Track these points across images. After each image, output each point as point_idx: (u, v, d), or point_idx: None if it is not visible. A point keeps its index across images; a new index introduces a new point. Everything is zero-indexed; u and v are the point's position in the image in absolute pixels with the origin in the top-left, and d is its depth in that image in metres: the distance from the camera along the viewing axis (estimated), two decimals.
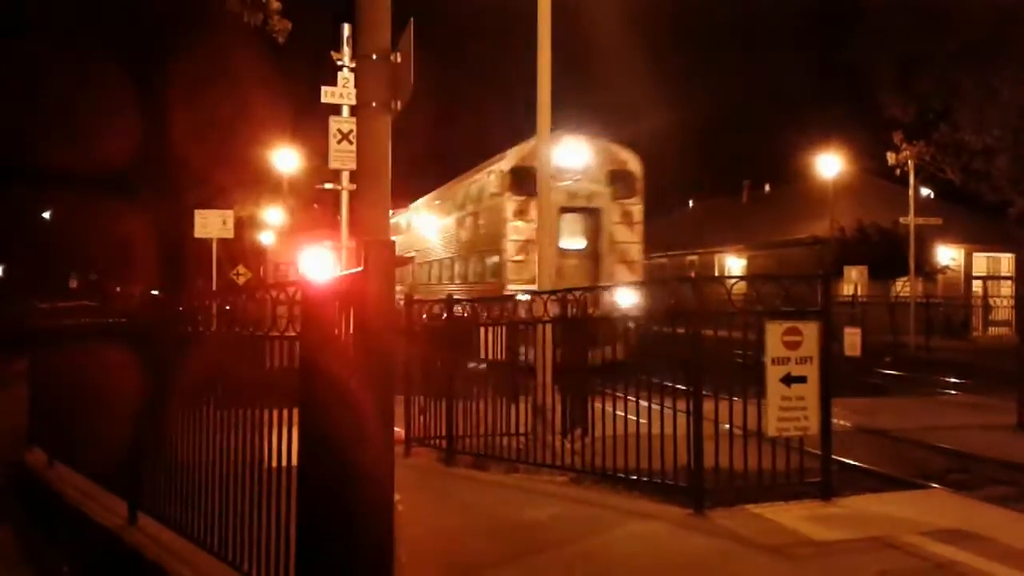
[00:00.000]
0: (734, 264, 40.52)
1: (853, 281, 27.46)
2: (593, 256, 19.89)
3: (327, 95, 12.05)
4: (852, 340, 17.68)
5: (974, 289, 34.90)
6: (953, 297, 33.44)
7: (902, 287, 30.63)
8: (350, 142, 11.44)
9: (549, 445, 8.13)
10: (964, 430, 11.12)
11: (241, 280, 25.23)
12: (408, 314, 9.37)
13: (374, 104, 5.01)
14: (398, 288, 23.44)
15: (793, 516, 6.09)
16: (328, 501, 3.74)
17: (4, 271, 53.67)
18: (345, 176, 12.28)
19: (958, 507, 6.72)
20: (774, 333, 6.27)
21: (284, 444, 4.25)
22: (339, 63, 11.95)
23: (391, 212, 6.12)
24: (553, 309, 7.88)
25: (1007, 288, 34.98)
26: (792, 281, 6.76)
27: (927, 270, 31.87)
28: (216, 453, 4.99)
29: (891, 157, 28.63)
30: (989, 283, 35.00)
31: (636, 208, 20.45)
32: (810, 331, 6.33)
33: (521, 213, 19.53)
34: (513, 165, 19.97)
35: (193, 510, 5.30)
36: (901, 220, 28.29)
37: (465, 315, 9.11)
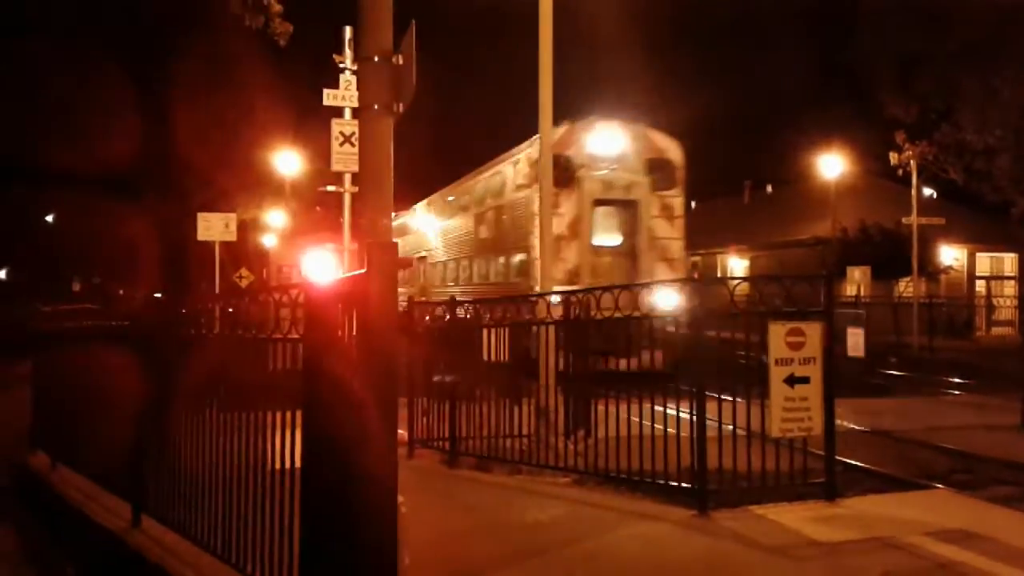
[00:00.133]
0: (736, 265, 40.49)
1: (856, 281, 27.45)
2: (630, 253, 18.20)
3: (329, 97, 12.08)
4: (855, 340, 17.64)
5: (977, 289, 34.85)
6: (956, 297, 33.40)
7: (905, 287, 30.60)
8: (352, 144, 11.47)
9: (552, 446, 8.13)
10: (968, 430, 11.11)
11: (244, 283, 25.28)
12: (410, 316, 9.38)
13: (376, 106, 5.01)
14: (409, 290, 23.01)
15: (797, 517, 6.08)
16: (331, 503, 3.74)
17: (7, 274, 53.77)
18: (347, 178, 12.30)
19: (962, 508, 6.71)
20: (777, 334, 6.26)
21: (287, 446, 4.25)
22: (341, 65, 11.99)
23: (394, 214, 6.08)
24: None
25: (1010, 288, 34.93)
26: (795, 282, 6.75)
27: (930, 270, 31.84)
28: (219, 455, 4.99)
29: (893, 157, 28.62)
30: (992, 283, 34.95)
31: (677, 201, 18.68)
32: (813, 332, 6.33)
33: (553, 206, 18.27)
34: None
35: (196, 512, 5.30)
36: (904, 220, 28.28)
37: (470, 316, 9.00)
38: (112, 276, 47.05)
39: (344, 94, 12.09)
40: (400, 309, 6.83)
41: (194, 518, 5.34)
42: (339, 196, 13.09)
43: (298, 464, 4.13)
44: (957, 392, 16.67)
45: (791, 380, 6.27)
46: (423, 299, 19.22)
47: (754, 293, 7.01)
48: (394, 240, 4.32)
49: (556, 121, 17.27)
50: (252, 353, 4.88)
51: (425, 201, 29.34)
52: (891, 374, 19.60)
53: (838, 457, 6.71)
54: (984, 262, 35.59)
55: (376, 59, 4.99)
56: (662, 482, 6.54)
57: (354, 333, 3.61)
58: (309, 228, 34.58)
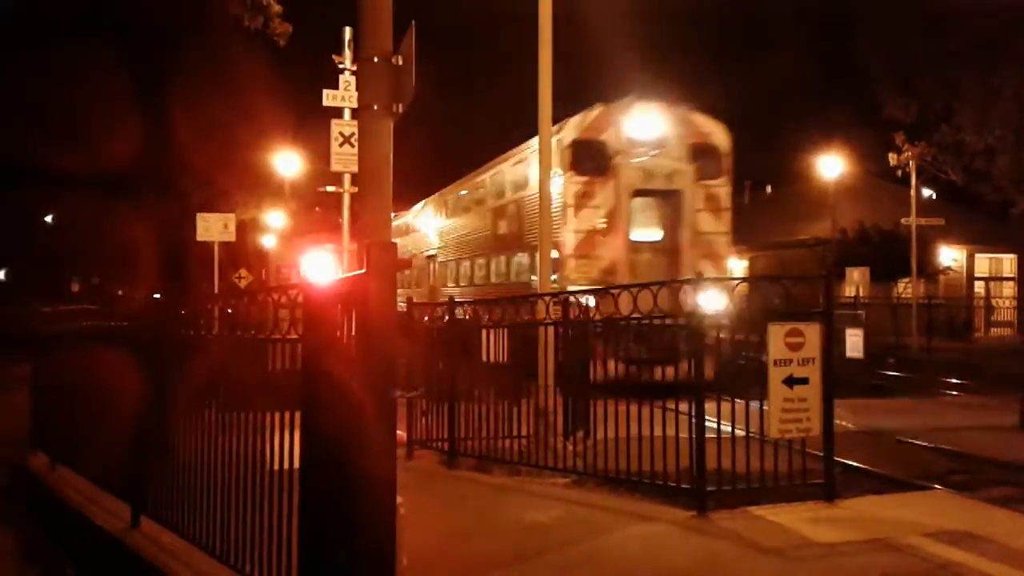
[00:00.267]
0: (735, 265, 40.48)
1: (855, 282, 27.45)
2: (672, 250, 16.49)
3: (328, 98, 12.09)
4: (854, 341, 17.66)
5: (976, 290, 34.87)
6: (955, 298, 33.42)
7: (904, 288, 30.61)
8: (352, 145, 11.47)
9: (551, 447, 8.13)
10: (966, 431, 11.12)
11: (243, 283, 25.28)
12: (410, 316, 9.38)
13: (376, 107, 5.01)
14: (416, 291, 22.35)
15: (796, 518, 6.08)
16: (330, 504, 3.74)
17: (6, 275, 53.75)
18: (347, 179, 12.30)
19: (961, 508, 6.71)
20: (776, 334, 6.26)
21: (286, 447, 4.25)
22: (340, 66, 11.99)
23: (395, 214, 6.06)
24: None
25: (1009, 289, 34.97)
26: (794, 282, 6.75)
27: (929, 271, 31.86)
28: (218, 456, 4.99)
29: (892, 158, 28.65)
30: (991, 284, 34.99)
31: (723, 191, 16.97)
32: (812, 332, 6.33)
33: (585, 197, 15.97)
34: (575, 138, 16.26)
35: (195, 513, 5.30)
36: (903, 221, 28.30)
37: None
38: (111, 277, 47.04)
39: (343, 95, 12.09)
40: (400, 310, 6.83)
41: (193, 519, 5.34)
42: (338, 196, 13.10)
43: (297, 465, 4.13)
44: (956, 393, 16.69)
45: (790, 381, 6.27)
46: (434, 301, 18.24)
47: (753, 293, 7.00)
48: (393, 240, 4.32)
49: (582, 106, 16.51)
50: (251, 354, 4.88)
51: (434, 196, 27.77)
52: (890, 375, 19.62)
53: (837, 458, 6.71)
54: (983, 263, 35.61)
55: (376, 60, 5.00)
56: (661, 483, 6.53)
57: (353, 333, 3.61)
58: (308, 229, 34.62)
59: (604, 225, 15.75)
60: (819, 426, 6.35)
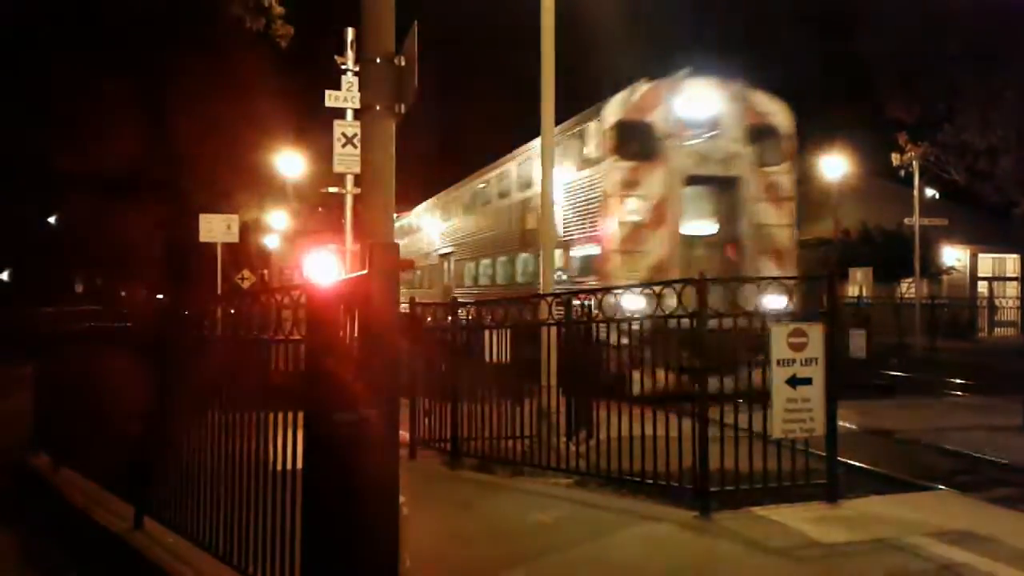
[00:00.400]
0: None
1: (858, 282, 27.41)
2: (728, 244, 15.06)
3: (331, 99, 12.10)
4: (858, 342, 17.62)
5: (979, 290, 34.82)
6: (958, 298, 33.37)
7: (907, 288, 30.57)
8: (354, 146, 11.48)
9: (554, 448, 8.13)
10: (970, 431, 11.09)
11: (246, 284, 25.29)
12: (412, 317, 9.38)
13: (378, 108, 5.01)
14: (429, 292, 21.39)
15: (799, 518, 6.08)
16: (333, 504, 3.74)
17: (9, 275, 53.83)
18: (349, 180, 12.30)
19: (965, 509, 6.71)
20: (779, 335, 6.26)
21: (289, 448, 4.26)
22: (343, 67, 11.99)
23: (396, 215, 6.03)
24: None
25: (1012, 288, 34.92)
26: (797, 282, 6.74)
27: (932, 271, 31.81)
28: (222, 457, 5.00)
29: (895, 158, 28.62)
30: (994, 284, 34.94)
31: (786, 178, 15.28)
32: (815, 333, 6.33)
33: (630, 185, 14.34)
34: (619, 118, 14.58)
35: (199, 514, 5.31)
36: (906, 221, 28.27)
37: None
38: (114, 277, 47.07)
39: (346, 95, 12.10)
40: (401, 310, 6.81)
41: (197, 520, 5.35)
42: (341, 197, 13.10)
43: (300, 466, 4.14)
44: (959, 393, 16.65)
45: (793, 381, 6.27)
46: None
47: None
48: (397, 241, 4.32)
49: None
50: (254, 354, 4.89)
51: (448, 191, 26.19)
52: (893, 375, 19.59)
53: (840, 458, 6.70)
54: (986, 263, 35.56)
55: (378, 60, 5.00)
56: (664, 483, 6.54)
57: (356, 334, 3.61)
58: (311, 229, 34.62)
59: (651, 216, 14.20)
60: (822, 426, 6.35)
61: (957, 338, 28.89)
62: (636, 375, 7.18)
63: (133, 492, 6.37)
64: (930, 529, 5.76)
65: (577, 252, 15.88)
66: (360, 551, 3.46)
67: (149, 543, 5.83)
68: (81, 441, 7.99)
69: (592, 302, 8.07)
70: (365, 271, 3.49)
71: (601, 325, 7.59)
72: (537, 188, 16.83)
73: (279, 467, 4.32)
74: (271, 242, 37.37)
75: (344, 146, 11.87)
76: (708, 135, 14.75)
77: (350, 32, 11.81)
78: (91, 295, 44.05)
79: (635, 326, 7.16)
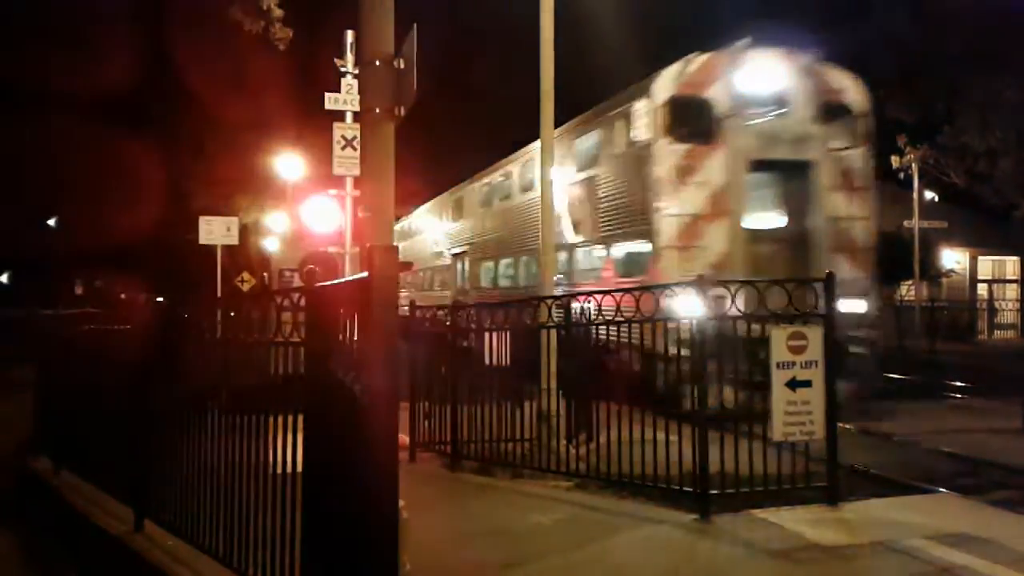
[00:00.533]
0: None
1: None
2: (799, 240, 13.15)
3: (331, 101, 12.09)
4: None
5: (979, 292, 34.81)
6: (958, 301, 33.36)
7: (907, 291, 30.57)
8: (354, 148, 11.47)
9: (554, 450, 8.13)
10: (970, 434, 11.11)
11: (245, 287, 25.28)
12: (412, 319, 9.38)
13: (378, 110, 5.02)
14: (442, 295, 19.70)
15: (799, 521, 6.07)
16: (332, 507, 3.74)
17: (9, 278, 53.85)
18: (349, 182, 12.29)
19: (965, 511, 6.70)
20: (779, 338, 6.26)
21: (289, 450, 4.26)
22: (342, 69, 11.99)
23: (395, 218, 5.94)
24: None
25: (1012, 291, 34.89)
26: (797, 285, 6.74)
27: (932, 273, 31.81)
28: (222, 460, 5.00)
29: (895, 160, 28.61)
30: (994, 286, 34.91)
31: (861, 164, 13.48)
32: (815, 335, 6.32)
33: (685, 171, 12.67)
34: (672, 94, 12.91)
35: (199, 517, 5.31)
36: (905, 223, 28.26)
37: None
38: (114, 280, 47.10)
39: (345, 98, 12.09)
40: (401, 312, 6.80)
41: (196, 523, 5.35)
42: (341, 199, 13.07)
43: (299, 468, 4.14)
44: (959, 396, 16.64)
45: (793, 384, 6.26)
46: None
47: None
48: (398, 243, 4.32)
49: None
50: (254, 357, 4.89)
51: (461, 185, 24.44)
52: (893, 377, 19.57)
53: (840, 461, 6.70)
54: (986, 265, 35.54)
55: (377, 63, 5.01)
56: (664, 486, 6.53)
57: (355, 337, 3.61)
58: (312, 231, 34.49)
59: (709, 207, 12.60)
60: (822, 429, 6.34)
61: (957, 341, 28.86)
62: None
63: (133, 495, 6.37)
64: (930, 532, 5.75)
65: (621, 249, 14.29)
66: (360, 553, 3.45)
67: (149, 546, 5.83)
68: (81, 444, 7.99)
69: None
70: (364, 274, 3.49)
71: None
72: (573, 177, 15.89)
73: (279, 470, 4.32)
74: (271, 244, 37.37)
75: (344, 148, 11.86)
76: (776, 113, 13.02)
77: (350, 35, 11.82)
78: (91, 297, 44.09)
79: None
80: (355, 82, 11.62)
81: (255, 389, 4.90)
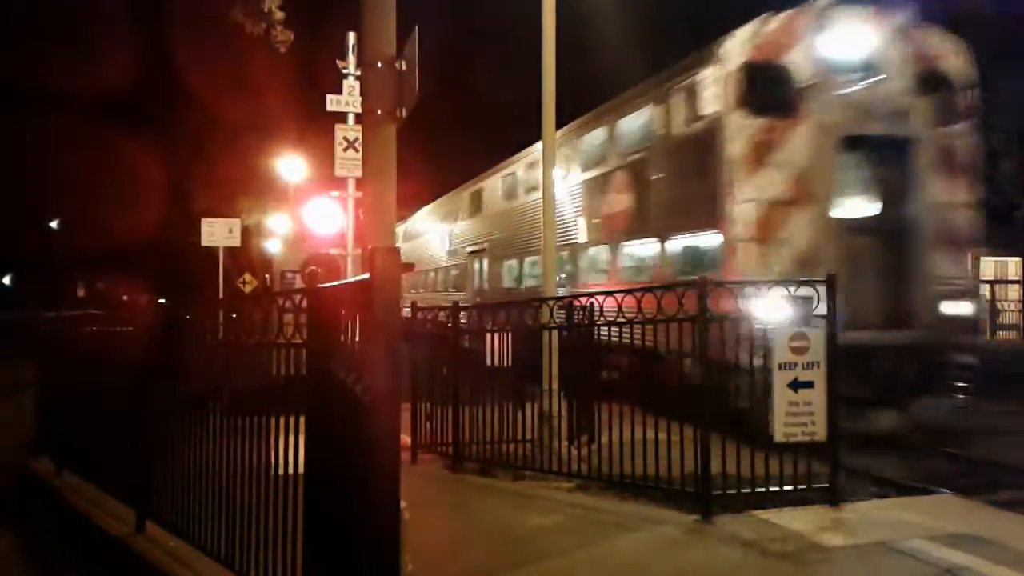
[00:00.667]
0: None
1: None
2: (895, 230, 11.23)
3: (332, 103, 12.09)
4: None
5: (981, 293, 34.76)
6: None
7: None
8: (356, 150, 11.47)
9: (556, 452, 8.12)
10: (972, 434, 11.07)
11: (247, 288, 25.31)
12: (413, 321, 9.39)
13: (379, 112, 5.02)
14: (457, 295, 18.75)
15: (801, 522, 6.07)
16: (334, 508, 3.74)
17: (12, 280, 53.92)
18: (351, 184, 12.30)
19: (967, 512, 6.69)
20: (781, 338, 6.25)
21: (291, 451, 4.26)
22: (344, 71, 11.99)
23: (400, 218, 5.93)
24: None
25: (1014, 292, 34.83)
26: (798, 285, 6.73)
27: None
28: (223, 461, 5.00)
29: None
30: (996, 287, 34.87)
31: (966, 143, 11.57)
32: (817, 336, 6.32)
33: (763, 149, 10.80)
34: (747, 59, 11.05)
35: (200, 518, 5.31)
36: None
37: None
38: (116, 281, 47.16)
39: (347, 99, 12.09)
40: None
41: (198, 524, 5.35)
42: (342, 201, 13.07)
43: (301, 469, 4.14)
44: (961, 396, 16.60)
45: (795, 384, 6.26)
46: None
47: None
48: (401, 244, 4.32)
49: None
50: (256, 358, 4.89)
51: (477, 179, 22.78)
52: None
53: (842, 462, 6.69)
54: (988, 266, 35.50)
55: (379, 65, 5.01)
56: (666, 487, 6.53)
57: (357, 338, 3.62)
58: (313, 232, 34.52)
59: (791, 192, 10.73)
60: (824, 430, 6.34)
61: None
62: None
63: (134, 496, 6.37)
64: (932, 532, 5.75)
65: (679, 243, 12.44)
66: (361, 554, 3.45)
67: (150, 547, 5.83)
68: (83, 444, 8.00)
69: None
70: (367, 275, 3.49)
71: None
72: (630, 158, 13.73)
73: (280, 471, 4.32)
74: (273, 246, 37.40)
75: (345, 150, 11.86)
76: (870, 81, 11.09)
77: (351, 36, 11.83)
78: (93, 299, 44.13)
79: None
80: (357, 84, 11.63)
81: (257, 390, 4.90)
